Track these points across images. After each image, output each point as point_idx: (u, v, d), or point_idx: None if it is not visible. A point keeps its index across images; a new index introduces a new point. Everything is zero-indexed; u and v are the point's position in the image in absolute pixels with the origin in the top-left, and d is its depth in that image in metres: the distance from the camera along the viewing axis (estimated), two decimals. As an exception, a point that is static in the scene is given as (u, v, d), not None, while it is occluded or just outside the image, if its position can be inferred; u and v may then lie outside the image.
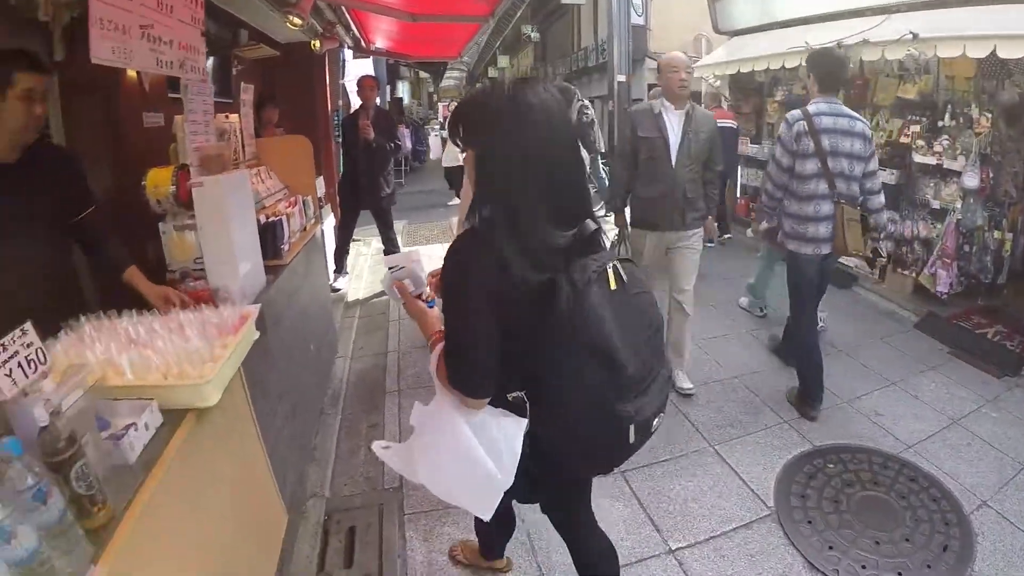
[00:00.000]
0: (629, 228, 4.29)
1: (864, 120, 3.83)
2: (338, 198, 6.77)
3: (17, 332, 1.32)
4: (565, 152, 1.56)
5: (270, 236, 3.30)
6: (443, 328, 1.62)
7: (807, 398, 4.02)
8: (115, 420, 1.68)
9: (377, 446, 1.86)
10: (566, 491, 2.07)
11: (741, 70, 7.62)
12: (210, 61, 3.01)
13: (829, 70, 3.83)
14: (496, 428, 1.63)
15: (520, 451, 1.64)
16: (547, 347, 1.50)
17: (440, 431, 1.65)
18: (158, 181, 2.65)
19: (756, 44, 7.58)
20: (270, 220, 3.36)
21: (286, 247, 3.45)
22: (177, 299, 2.51)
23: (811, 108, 3.72)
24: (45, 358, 1.37)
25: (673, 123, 3.97)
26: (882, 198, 3.89)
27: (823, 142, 3.64)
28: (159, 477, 1.57)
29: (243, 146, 3.66)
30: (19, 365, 1.30)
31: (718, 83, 8.65)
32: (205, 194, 2.55)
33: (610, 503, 3.19)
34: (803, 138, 3.68)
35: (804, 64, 4.66)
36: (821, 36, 6.17)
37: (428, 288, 1.89)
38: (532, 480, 1.79)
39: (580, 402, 1.54)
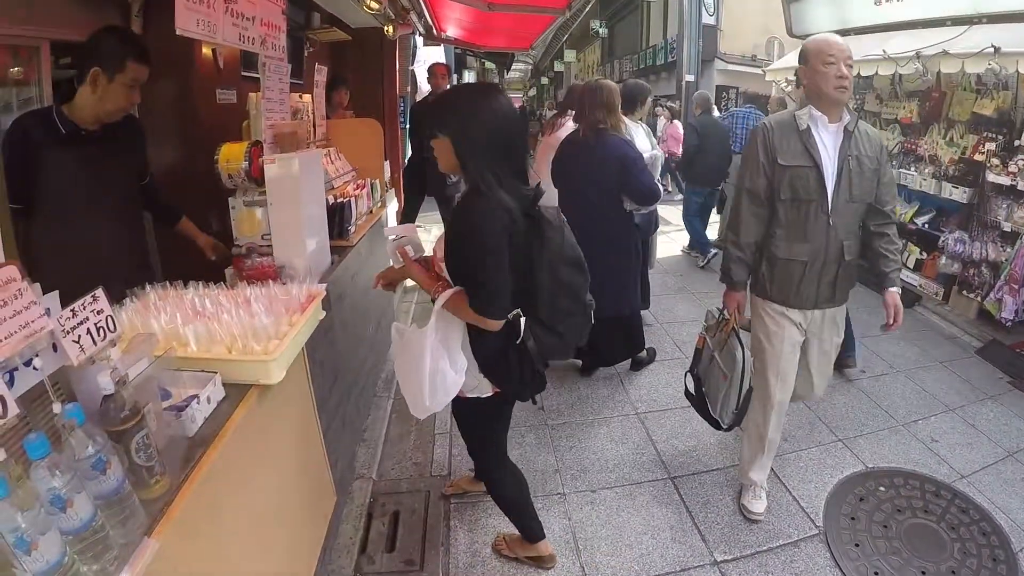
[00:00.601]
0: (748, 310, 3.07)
1: None
2: (403, 183, 6.81)
3: (88, 298, 1.31)
4: (515, 132, 2.09)
5: (338, 217, 3.32)
6: (442, 280, 2.18)
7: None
8: (177, 391, 1.69)
9: (395, 325, 2.38)
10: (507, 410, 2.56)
11: (814, 76, 7.34)
12: (284, 42, 3.11)
13: None
14: (443, 379, 2.12)
15: (448, 401, 2.19)
16: (542, 266, 2.06)
17: (413, 352, 2.14)
18: (231, 156, 2.66)
19: (831, 50, 7.34)
20: (339, 201, 3.38)
21: (353, 228, 3.46)
22: (221, 250, 2.93)
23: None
24: (115, 326, 1.36)
25: (827, 144, 2.68)
26: None
27: None
28: (217, 451, 1.57)
29: (314, 127, 3.67)
30: (88, 332, 1.29)
31: (789, 88, 8.42)
32: (277, 171, 2.56)
33: (658, 508, 3.15)
34: None
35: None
36: (899, 45, 5.94)
37: (425, 254, 2.35)
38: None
39: (565, 299, 2.16)
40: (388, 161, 5.17)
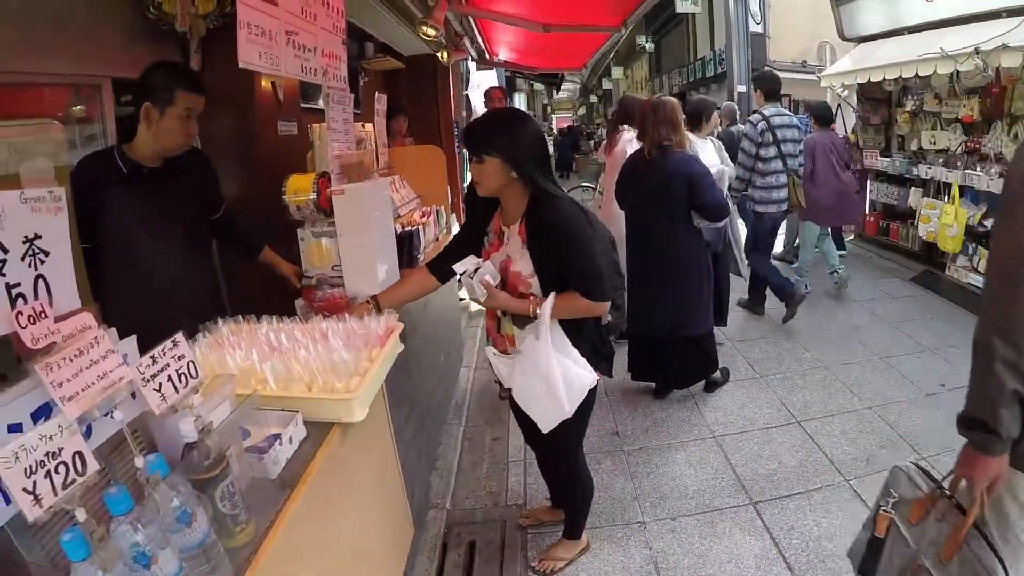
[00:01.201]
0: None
1: (794, 116, 5.72)
2: (463, 207, 6.78)
3: (168, 344, 1.26)
4: (546, 146, 2.28)
5: (407, 245, 3.27)
6: (532, 296, 2.26)
7: (756, 302, 6.04)
8: (257, 430, 1.64)
9: (490, 351, 2.51)
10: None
11: (871, 79, 7.09)
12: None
13: (771, 86, 5.69)
14: (576, 377, 2.24)
15: (581, 399, 2.29)
16: (601, 250, 2.25)
17: (539, 365, 2.20)
18: (298, 188, 2.63)
19: (885, 51, 7.09)
20: (407, 230, 3.33)
21: (422, 257, 3.39)
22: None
23: (765, 112, 5.42)
24: (197, 371, 1.31)
25: None
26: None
27: (778, 135, 5.35)
28: (301, 494, 1.50)
29: (377, 155, 3.66)
30: (169, 379, 1.24)
31: (845, 92, 8.15)
32: (346, 202, 2.53)
33: (741, 536, 3.00)
34: (765, 133, 5.36)
35: (753, 81, 5.66)
36: (956, 41, 5.69)
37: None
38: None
39: (615, 276, 2.48)
40: (448, 187, 5.14)
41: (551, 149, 2.65)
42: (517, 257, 2.26)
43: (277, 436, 1.58)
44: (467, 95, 9.66)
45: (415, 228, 3.36)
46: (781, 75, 15.87)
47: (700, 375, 4.39)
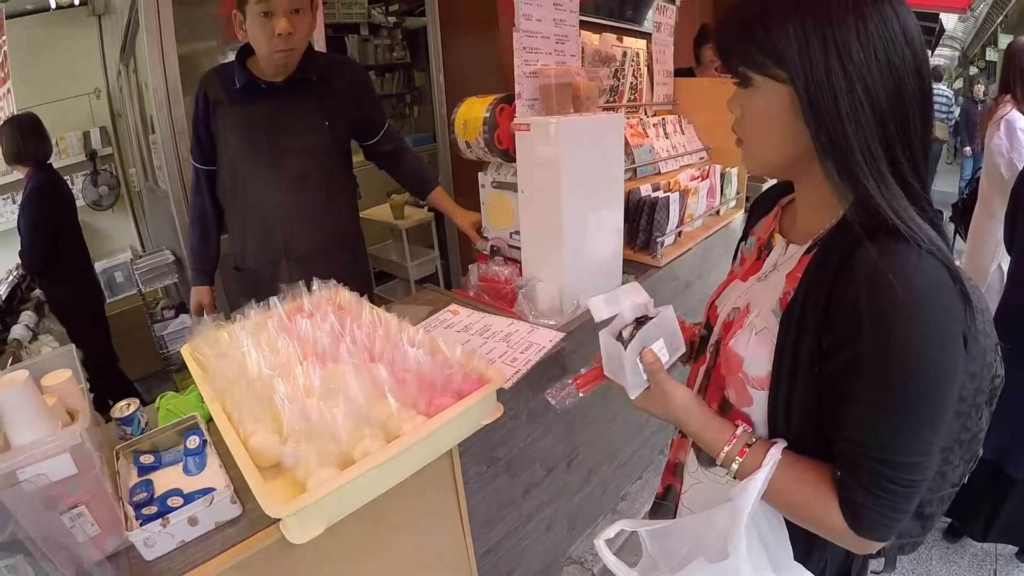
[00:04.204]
0: None
1: None
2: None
3: None
4: (923, 90, 0.82)
5: (643, 219, 2.36)
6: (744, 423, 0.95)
7: None
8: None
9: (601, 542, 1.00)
10: None
11: None
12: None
13: None
14: None
15: None
16: (964, 393, 0.88)
17: None
18: (469, 116, 1.88)
19: None
20: (651, 196, 2.39)
21: (667, 241, 2.42)
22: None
23: None
24: None
25: None
26: None
27: None
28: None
29: (651, 85, 2.72)
30: None
31: None
32: (533, 143, 1.73)
33: None
34: None
35: None
36: None
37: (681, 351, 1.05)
38: None
39: (962, 457, 0.98)
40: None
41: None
42: (758, 320, 0.95)
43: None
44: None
45: (669, 195, 2.36)
46: None
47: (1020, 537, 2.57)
